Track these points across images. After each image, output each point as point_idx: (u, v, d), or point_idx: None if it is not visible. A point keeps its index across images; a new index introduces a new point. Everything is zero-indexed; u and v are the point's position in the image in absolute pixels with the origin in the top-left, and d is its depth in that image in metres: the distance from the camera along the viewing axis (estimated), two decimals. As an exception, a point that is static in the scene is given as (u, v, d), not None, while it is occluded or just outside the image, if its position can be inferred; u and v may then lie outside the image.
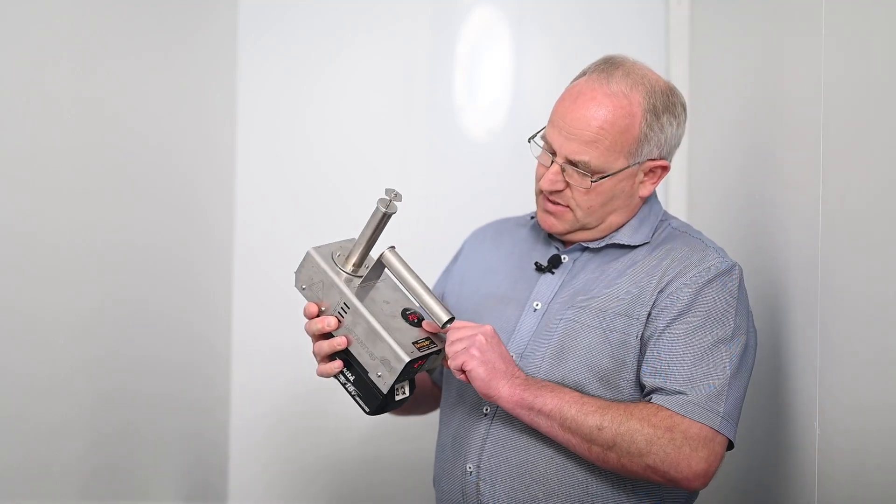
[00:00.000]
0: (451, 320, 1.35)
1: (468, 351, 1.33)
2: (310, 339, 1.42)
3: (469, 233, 1.77)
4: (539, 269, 1.51)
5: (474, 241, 1.71)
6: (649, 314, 1.39)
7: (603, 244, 1.49)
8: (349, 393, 1.41)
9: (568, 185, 1.43)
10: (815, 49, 1.40)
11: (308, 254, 1.40)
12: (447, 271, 1.71)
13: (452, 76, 2.29)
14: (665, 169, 1.47)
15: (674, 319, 1.38)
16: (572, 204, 1.44)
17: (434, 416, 1.85)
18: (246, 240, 2.29)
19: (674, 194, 2.16)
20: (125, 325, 1.83)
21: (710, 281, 1.39)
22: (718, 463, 1.33)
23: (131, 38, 1.85)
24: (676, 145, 1.48)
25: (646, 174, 1.46)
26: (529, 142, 1.49)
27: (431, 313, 1.35)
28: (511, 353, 1.41)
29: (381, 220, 1.35)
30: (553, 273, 1.50)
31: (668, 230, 1.50)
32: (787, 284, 1.51)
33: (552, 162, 1.43)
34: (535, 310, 1.48)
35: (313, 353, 1.41)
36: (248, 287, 2.29)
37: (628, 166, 1.43)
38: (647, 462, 1.30)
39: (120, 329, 1.82)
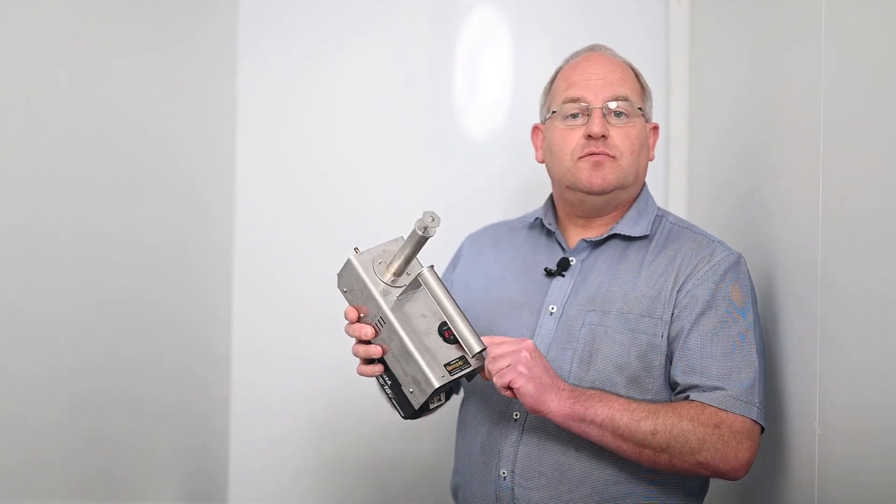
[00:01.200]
0: (482, 351, 1.35)
1: (515, 368, 1.34)
2: (348, 338, 1.44)
3: (467, 233, 1.77)
4: (549, 273, 1.54)
5: (471, 249, 1.71)
6: (672, 313, 1.44)
7: (605, 235, 1.53)
8: (386, 395, 1.42)
9: (608, 134, 1.50)
10: (815, 49, 1.40)
11: (348, 261, 1.39)
12: (446, 279, 1.70)
13: (452, 76, 2.29)
14: (656, 130, 1.62)
15: (698, 317, 1.42)
16: (616, 151, 1.50)
17: (439, 420, 1.84)
18: (246, 240, 2.29)
19: (673, 194, 2.16)
20: (125, 325, 1.83)
21: (723, 275, 1.45)
22: (757, 450, 1.39)
23: (131, 38, 1.85)
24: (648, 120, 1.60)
25: (647, 135, 1.57)
26: (545, 120, 1.58)
27: (463, 340, 1.35)
28: None
29: (419, 241, 1.35)
30: (563, 276, 1.53)
31: (668, 226, 1.56)
32: (786, 284, 1.51)
33: (588, 116, 1.50)
34: (552, 313, 1.51)
35: (353, 353, 1.43)
36: (248, 287, 2.28)
37: (645, 114, 1.56)
38: (698, 459, 1.36)
39: (119, 329, 1.81)
